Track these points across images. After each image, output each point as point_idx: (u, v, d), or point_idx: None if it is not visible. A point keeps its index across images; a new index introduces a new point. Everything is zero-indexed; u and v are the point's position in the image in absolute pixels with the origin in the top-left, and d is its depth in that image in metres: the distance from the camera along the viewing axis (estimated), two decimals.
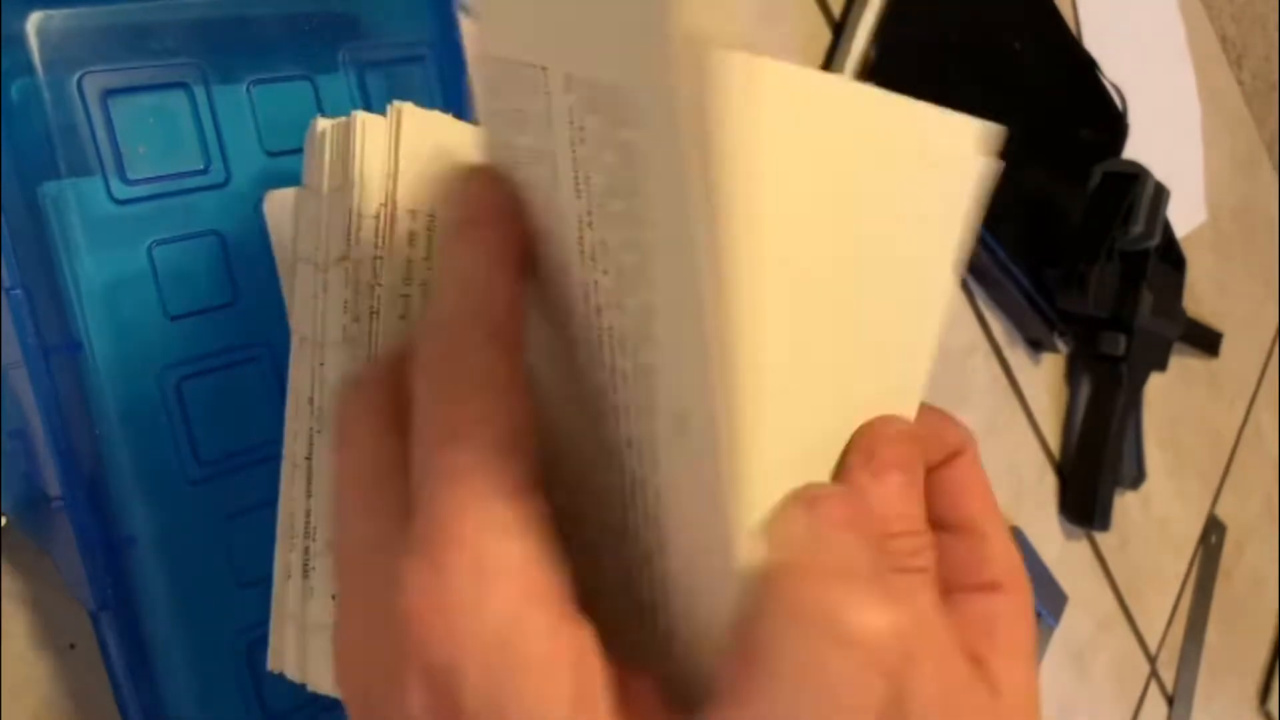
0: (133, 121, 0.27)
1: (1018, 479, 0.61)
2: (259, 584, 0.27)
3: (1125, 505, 0.67)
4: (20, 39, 0.25)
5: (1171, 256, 0.66)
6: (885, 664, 0.17)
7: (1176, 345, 0.69)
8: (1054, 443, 0.63)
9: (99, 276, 0.26)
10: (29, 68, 0.26)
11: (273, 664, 0.26)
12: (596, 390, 0.19)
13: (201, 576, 0.27)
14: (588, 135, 0.17)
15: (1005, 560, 0.25)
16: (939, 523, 0.24)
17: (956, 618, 0.23)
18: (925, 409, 0.24)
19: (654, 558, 0.20)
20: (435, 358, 0.19)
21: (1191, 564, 0.75)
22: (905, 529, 0.21)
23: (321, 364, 0.25)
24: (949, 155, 0.21)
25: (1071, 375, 0.65)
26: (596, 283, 0.18)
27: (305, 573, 0.25)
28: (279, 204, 0.28)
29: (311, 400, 0.25)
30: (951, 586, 0.24)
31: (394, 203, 0.25)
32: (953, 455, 0.25)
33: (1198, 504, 0.75)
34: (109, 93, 0.26)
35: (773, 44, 0.48)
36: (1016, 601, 0.24)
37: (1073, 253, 0.59)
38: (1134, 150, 0.64)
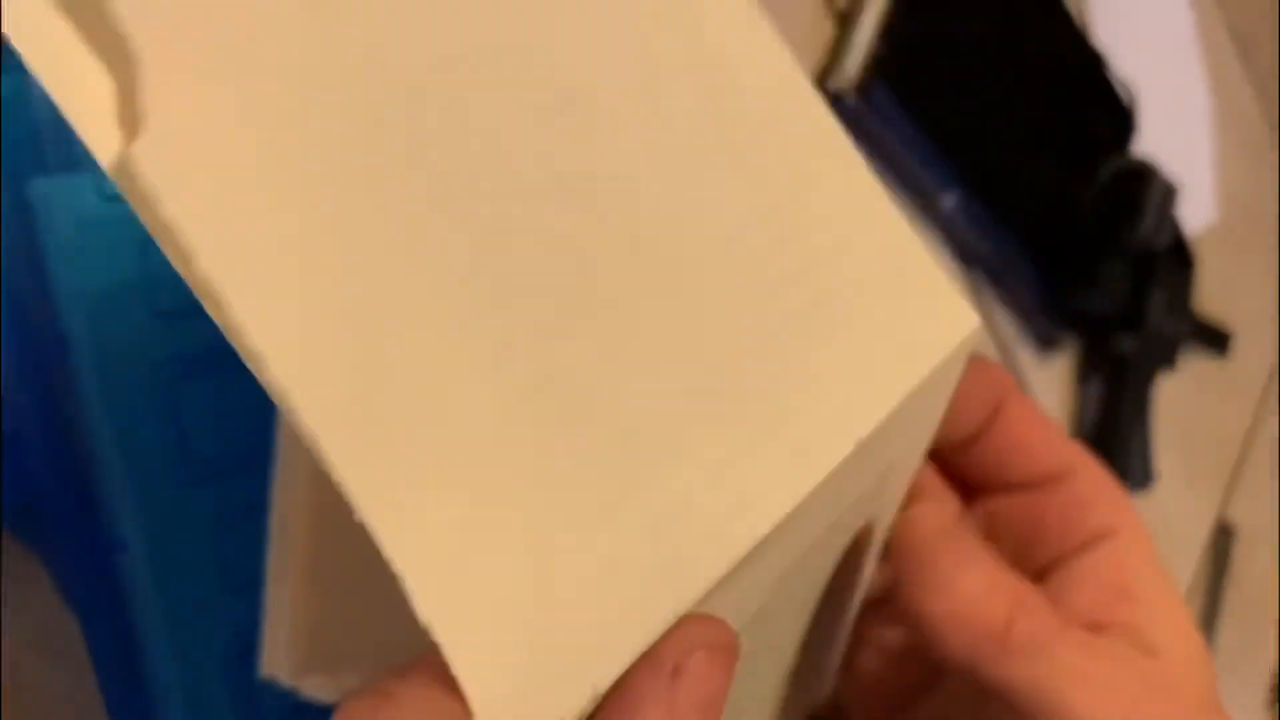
0: None
1: None
2: (251, 588, 0.27)
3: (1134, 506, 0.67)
4: None
5: (1181, 255, 0.65)
6: None
7: (1186, 344, 0.68)
8: None
9: (89, 274, 0.26)
10: (18, 64, 0.25)
11: (265, 669, 0.26)
12: None
13: (193, 580, 0.27)
14: None
15: (1104, 498, 0.21)
16: (1010, 486, 0.21)
17: (1072, 593, 0.20)
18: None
19: None
20: None
21: (1201, 565, 0.74)
22: None
23: None
24: None
25: (1080, 375, 0.65)
26: None
27: None
28: None
29: None
30: (1053, 556, 0.20)
31: None
32: (994, 412, 0.21)
33: (1208, 505, 0.75)
34: None
35: None
36: (1134, 541, 0.20)
37: (1081, 251, 0.59)
38: (1143, 146, 0.64)
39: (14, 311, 0.25)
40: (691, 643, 0.14)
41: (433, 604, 0.12)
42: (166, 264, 0.27)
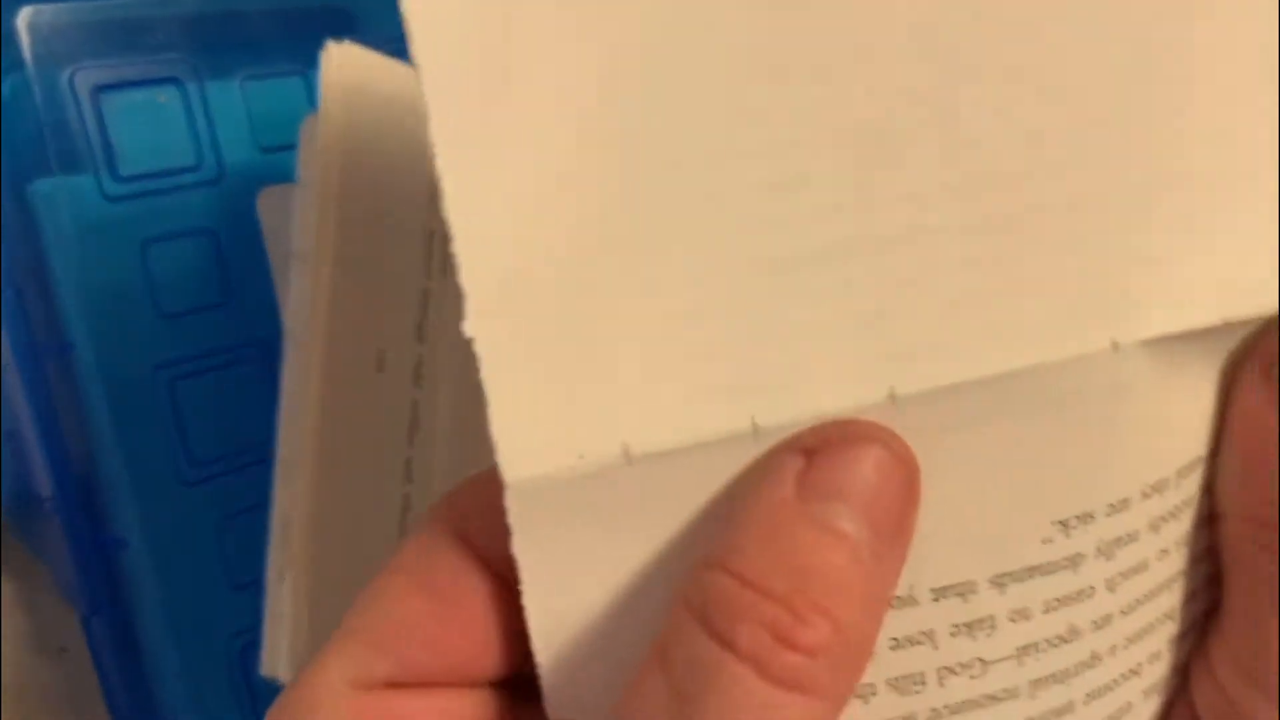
0: (125, 118, 0.27)
1: None
2: (252, 587, 0.27)
3: None
4: (11, 34, 0.25)
5: None
6: None
7: None
8: None
9: (90, 275, 0.26)
10: (20, 63, 0.25)
11: (266, 668, 0.26)
12: None
13: (194, 579, 0.27)
14: None
15: None
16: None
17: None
18: None
19: None
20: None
21: None
22: None
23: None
24: None
25: None
26: None
27: None
28: (273, 201, 0.28)
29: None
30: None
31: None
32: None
33: None
34: (100, 88, 0.26)
35: None
36: None
37: None
38: None
39: (16, 311, 0.25)
40: (841, 434, 0.13)
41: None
42: (168, 265, 0.27)
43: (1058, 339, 0.13)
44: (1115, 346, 0.14)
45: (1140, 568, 0.15)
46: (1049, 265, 0.14)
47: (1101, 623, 0.15)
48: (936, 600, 0.14)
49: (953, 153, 0.14)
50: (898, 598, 0.14)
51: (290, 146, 0.27)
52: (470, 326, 0.13)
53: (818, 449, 0.13)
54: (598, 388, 0.13)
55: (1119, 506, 0.14)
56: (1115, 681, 0.15)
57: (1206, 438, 0.15)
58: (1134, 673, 0.15)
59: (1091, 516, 0.14)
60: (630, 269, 0.13)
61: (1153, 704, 0.16)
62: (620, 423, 0.13)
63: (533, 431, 0.13)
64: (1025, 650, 0.14)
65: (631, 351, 0.13)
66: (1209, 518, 0.16)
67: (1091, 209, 0.14)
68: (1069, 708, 0.15)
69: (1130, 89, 0.14)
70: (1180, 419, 0.15)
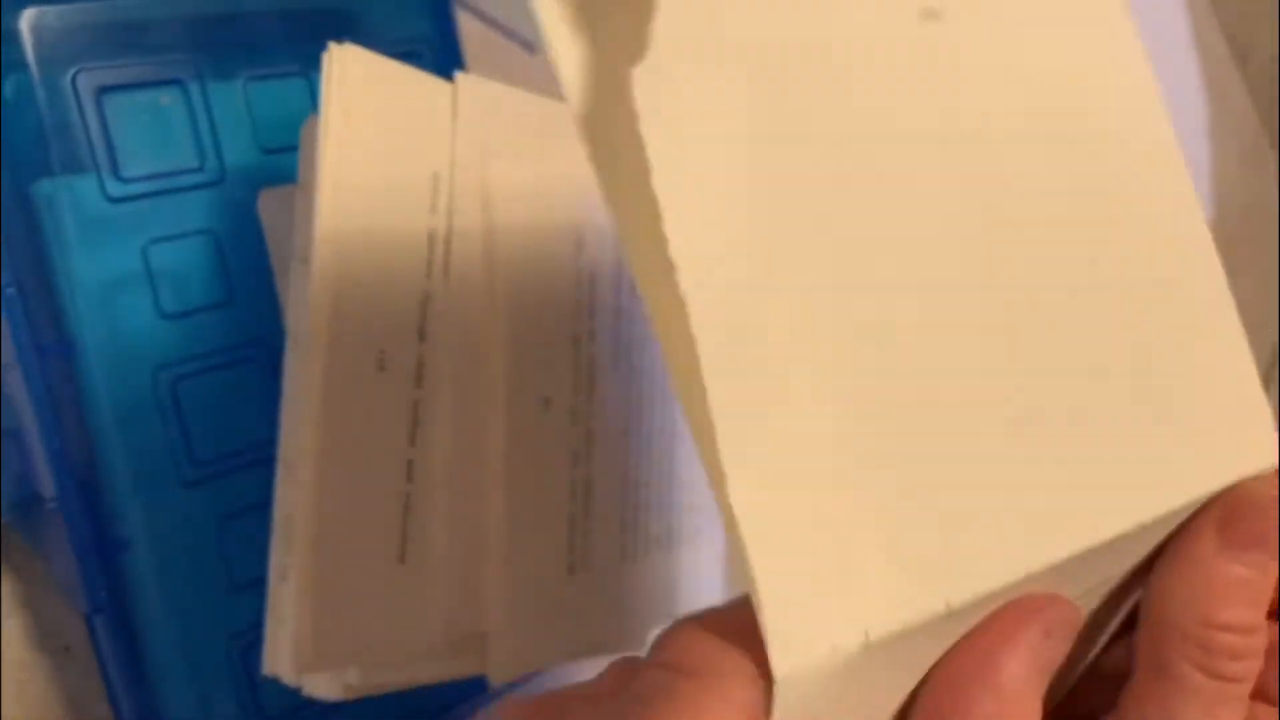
0: (127, 119, 0.27)
1: None
2: (254, 586, 0.27)
3: None
4: (14, 35, 0.25)
5: None
6: None
7: None
8: None
9: (93, 275, 0.26)
10: (23, 64, 0.25)
11: (267, 667, 0.26)
12: None
13: (196, 579, 0.27)
14: None
15: None
16: None
17: None
18: None
19: None
20: None
21: None
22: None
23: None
24: None
25: None
26: None
27: None
28: (274, 202, 0.28)
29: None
30: None
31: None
32: None
33: None
34: (103, 90, 0.26)
35: None
36: None
37: None
38: None
39: (18, 311, 0.25)
40: (1065, 612, 0.16)
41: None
42: (170, 266, 0.27)
43: (1121, 511, 0.17)
44: (1141, 527, 0.17)
45: None
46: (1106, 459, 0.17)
47: None
48: None
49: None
50: None
51: (292, 148, 0.27)
52: (736, 503, 0.13)
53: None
54: (843, 579, 0.14)
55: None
56: None
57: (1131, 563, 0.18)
58: None
59: None
60: (860, 471, 0.15)
61: None
62: (861, 611, 0.14)
63: (796, 625, 0.13)
64: None
65: (866, 542, 0.14)
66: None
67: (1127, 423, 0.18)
68: None
69: (1130, 333, 0.19)
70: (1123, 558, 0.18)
